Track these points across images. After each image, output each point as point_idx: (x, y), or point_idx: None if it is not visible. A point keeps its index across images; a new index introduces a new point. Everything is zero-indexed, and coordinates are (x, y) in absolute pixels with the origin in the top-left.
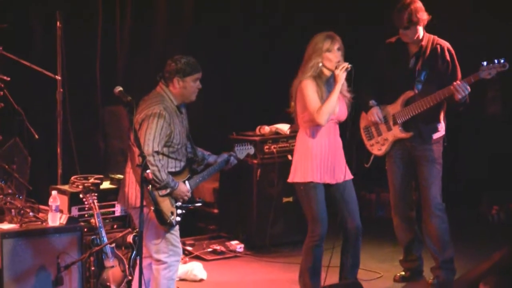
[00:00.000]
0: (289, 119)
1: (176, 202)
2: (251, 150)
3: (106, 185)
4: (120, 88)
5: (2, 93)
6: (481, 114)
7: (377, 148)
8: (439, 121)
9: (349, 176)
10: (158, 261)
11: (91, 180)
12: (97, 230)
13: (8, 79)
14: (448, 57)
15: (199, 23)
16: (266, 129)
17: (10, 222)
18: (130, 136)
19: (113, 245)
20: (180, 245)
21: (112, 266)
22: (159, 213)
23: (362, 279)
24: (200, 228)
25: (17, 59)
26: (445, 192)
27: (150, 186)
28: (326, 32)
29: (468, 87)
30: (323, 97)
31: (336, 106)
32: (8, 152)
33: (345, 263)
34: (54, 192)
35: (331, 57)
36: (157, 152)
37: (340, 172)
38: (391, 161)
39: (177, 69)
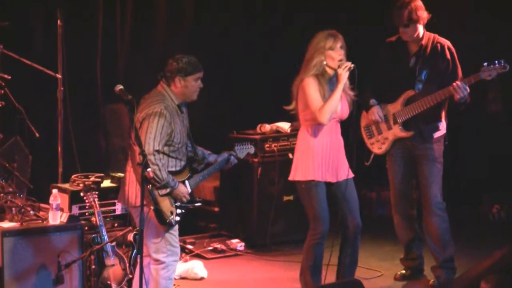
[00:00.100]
0: (290, 117)
1: (175, 201)
2: (251, 150)
3: (106, 183)
4: (121, 87)
5: (2, 91)
6: (482, 114)
7: (377, 146)
8: (440, 120)
9: (350, 174)
10: (157, 260)
11: (92, 179)
12: (98, 229)
13: (9, 77)
14: (448, 56)
15: (199, 23)
16: (267, 127)
17: (11, 220)
18: (130, 135)
19: (114, 243)
20: (178, 245)
21: (113, 265)
22: (158, 212)
23: (363, 278)
24: (201, 226)
25: (18, 57)
26: (445, 191)
27: (150, 185)
28: (328, 31)
29: (467, 88)
30: (325, 96)
31: (338, 105)
32: (9, 150)
33: (343, 261)
34: (54, 191)
35: (333, 55)
36: (158, 151)
37: (342, 171)
38: (391, 160)
39: (178, 69)
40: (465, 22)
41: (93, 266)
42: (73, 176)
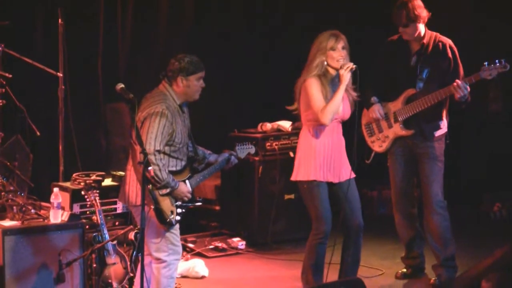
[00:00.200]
0: (291, 116)
1: (176, 201)
2: (252, 150)
3: (107, 182)
4: (122, 85)
5: (4, 90)
6: (482, 114)
7: (378, 145)
8: (441, 119)
9: (352, 175)
10: (158, 259)
11: (93, 177)
12: (99, 227)
13: (10, 76)
14: (450, 54)
15: (199, 23)
16: (268, 126)
17: (12, 219)
18: (131, 134)
19: (115, 242)
20: (180, 244)
21: (114, 263)
22: (159, 212)
23: (364, 276)
24: (202, 225)
25: (19, 56)
26: (446, 190)
27: (150, 185)
28: (331, 31)
29: (468, 87)
30: (327, 96)
31: (340, 105)
32: (10, 149)
33: (345, 260)
34: (55, 189)
35: (335, 56)
36: (159, 151)
37: (343, 171)
38: (392, 158)
39: (180, 68)
40: (465, 21)
41: (94, 265)
42: (74, 175)
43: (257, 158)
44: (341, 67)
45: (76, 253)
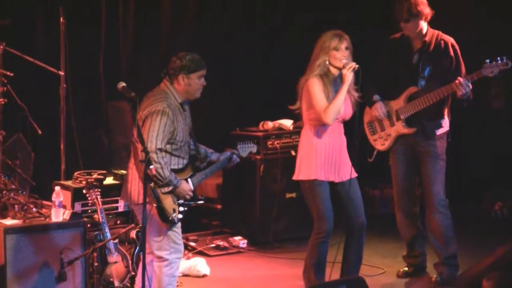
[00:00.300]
0: (292, 115)
1: (178, 199)
2: (254, 149)
3: (109, 180)
4: (123, 84)
5: (5, 88)
6: (484, 111)
7: (380, 143)
8: (442, 117)
9: (354, 174)
10: (160, 258)
11: (95, 176)
12: (100, 226)
13: (12, 74)
14: (452, 53)
15: (200, 23)
16: (269, 124)
17: (13, 217)
18: (133, 132)
19: (116, 240)
20: (181, 242)
21: (115, 262)
22: (161, 210)
23: (366, 275)
24: (203, 223)
25: (21, 54)
26: (448, 188)
27: (152, 183)
28: (335, 31)
29: (470, 84)
30: (329, 96)
31: (342, 105)
32: (11, 147)
33: (348, 258)
34: (57, 188)
35: (338, 56)
36: (160, 150)
37: (345, 171)
38: (394, 156)
39: (182, 66)
40: (465, 21)
41: (96, 264)
42: (75, 173)
43: (258, 157)
44: (343, 67)
45: (78, 251)
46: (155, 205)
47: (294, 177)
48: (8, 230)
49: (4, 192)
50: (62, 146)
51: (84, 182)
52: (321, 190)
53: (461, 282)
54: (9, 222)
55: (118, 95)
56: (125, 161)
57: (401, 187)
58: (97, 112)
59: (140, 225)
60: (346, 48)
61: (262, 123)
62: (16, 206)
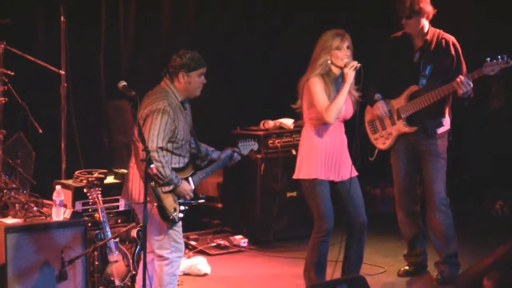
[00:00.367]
0: (293, 113)
1: (179, 198)
2: (255, 146)
3: (110, 179)
4: (124, 83)
5: (6, 87)
6: (485, 110)
7: (381, 142)
8: (443, 116)
9: (354, 173)
10: (161, 257)
11: (95, 175)
12: (101, 225)
13: (12, 73)
14: (453, 52)
15: (200, 23)
16: (270, 123)
17: (14, 216)
18: (134, 131)
19: (117, 239)
20: (182, 241)
21: (116, 261)
22: (161, 209)
23: (367, 274)
24: (204, 222)
25: (21, 54)
26: (449, 187)
27: (153, 182)
28: (336, 30)
29: (471, 83)
30: (330, 95)
31: (344, 104)
32: (12, 146)
33: (349, 257)
34: (58, 187)
35: (340, 55)
36: (161, 148)
37: (345, 170)
38: (395, 155)
39: (182, 64)
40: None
41: (97, 262)
42: (76, 172)
43: (259, 156)
44: (345, 66)
45: (78, 250)
46: (155, 204)
47: (295, 176)
48: (9, 229)
49: (5, 191)
50: (62, 145)
51: (84, 181)
52: (321, 189)
53: (462, 281)
54: (9, 221)
55: (118, 94)
56: (126, 160)
57: (402, 186)
58: (98, 111)
59: (141, 224)
60: (348, 48)
61: (263, 122)
62: (17, 205)
